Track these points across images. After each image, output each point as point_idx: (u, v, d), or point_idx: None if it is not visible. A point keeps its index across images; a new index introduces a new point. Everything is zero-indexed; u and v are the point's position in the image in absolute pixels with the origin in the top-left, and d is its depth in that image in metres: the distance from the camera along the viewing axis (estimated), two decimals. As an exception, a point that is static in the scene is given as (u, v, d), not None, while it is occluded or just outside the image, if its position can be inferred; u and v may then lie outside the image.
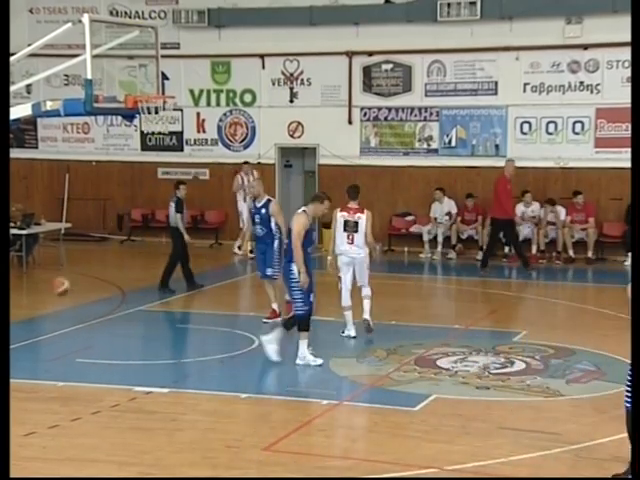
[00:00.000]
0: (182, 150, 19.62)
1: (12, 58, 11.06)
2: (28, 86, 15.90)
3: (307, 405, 8.34)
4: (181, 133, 19.51)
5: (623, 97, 16.53)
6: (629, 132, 16.77)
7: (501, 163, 17.50)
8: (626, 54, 16.51)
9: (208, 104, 19.40)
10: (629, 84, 16.61)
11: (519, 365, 9.71)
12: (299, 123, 18.82)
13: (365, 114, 18.47)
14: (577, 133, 17.26)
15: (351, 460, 7.00)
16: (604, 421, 8.25)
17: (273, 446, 7.30)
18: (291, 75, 18.77)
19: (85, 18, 10.02)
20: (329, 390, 8.83)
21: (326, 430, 7.71)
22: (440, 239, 17.47)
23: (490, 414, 8.29)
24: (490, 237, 16.27)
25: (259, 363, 10.05)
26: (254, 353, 10.30)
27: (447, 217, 17.55)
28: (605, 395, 8.58)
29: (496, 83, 17.60)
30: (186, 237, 13.71)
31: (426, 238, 17.56)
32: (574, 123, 17.23)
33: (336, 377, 9.41)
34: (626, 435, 6.57)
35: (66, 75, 18.52)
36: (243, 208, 17.55)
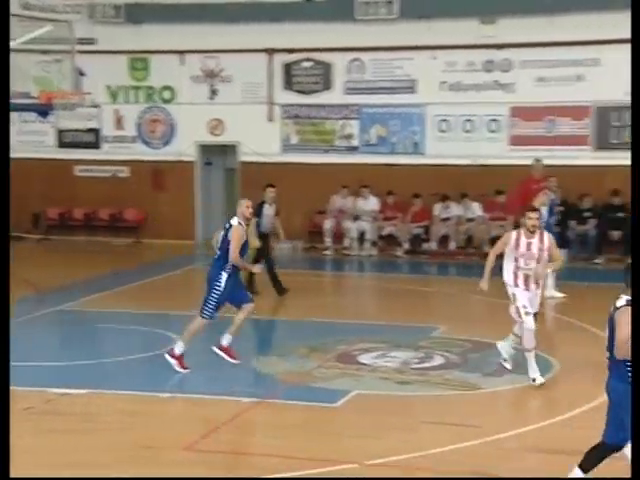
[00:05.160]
0: (99, 147, 19.29)
1: None
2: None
3: (229, 403, 8.29)
4: (98, 130, 19.17)
5: (536, 96, 16.95)
6: (543, 130, 17.21)
7: (420, 161, 17.74)
8: (539, 54, 16.95)
9: (126, 101, 19.11)
10: (542, 83, 17.06)
11: (438, 360, 9.85)
12: (219, 120, 18.70)
13: (286, 111, 18.46)
14: (493, 131, 17.59)
15: (273, 457, 6.98)
16: (522, 412, 8.46)
17: (194, 445, 7.25)
18: (211, 72, 18.63)
19: (-4, 11, 9.73)
20: (251, 388, 8.80)
21: (247, 428, 7.69)
22: (369, 236, 17.58)
23: (410, 408, 8.39)
24: None
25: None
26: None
27: (372, 215, 17.66)
28: (520, 387, 8.78)
29: (414, 81, 17.80)
30: (255, 242, 12.35)
31: (355, 235, 17.59)
32: (490, 121, 17.56)
33: (258, 375, 9.40)
34: (545, 424, 6.71)
35: (-22, 70, 17.97)
36: None
